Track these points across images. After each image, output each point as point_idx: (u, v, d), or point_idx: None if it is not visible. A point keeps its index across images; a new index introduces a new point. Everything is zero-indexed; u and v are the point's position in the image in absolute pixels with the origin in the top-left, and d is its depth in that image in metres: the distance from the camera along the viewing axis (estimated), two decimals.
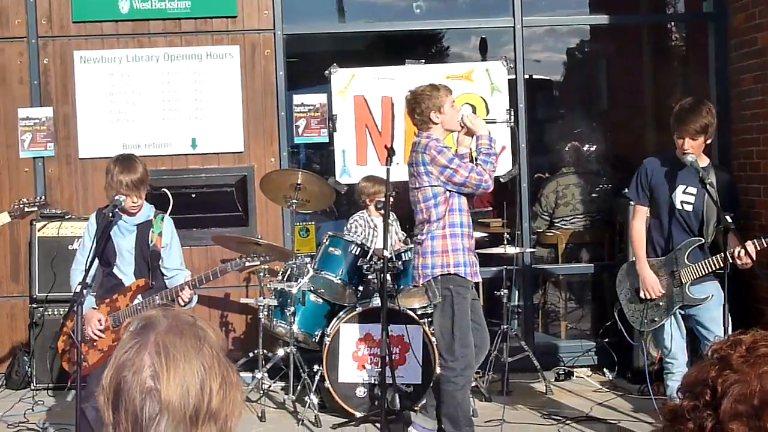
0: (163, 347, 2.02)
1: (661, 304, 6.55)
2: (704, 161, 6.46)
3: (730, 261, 6.13)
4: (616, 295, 6.99)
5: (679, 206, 6.49)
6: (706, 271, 6.40)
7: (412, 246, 7.89)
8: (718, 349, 1.90)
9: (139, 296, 6.38)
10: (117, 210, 6.16)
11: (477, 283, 7.07)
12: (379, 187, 8.21)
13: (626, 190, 7.10)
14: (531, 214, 9.71)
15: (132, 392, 2.00)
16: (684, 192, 6.48)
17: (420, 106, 6.61)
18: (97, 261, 6.06)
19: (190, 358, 2.02)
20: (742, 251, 6.09)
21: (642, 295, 6.56)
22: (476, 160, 6.51)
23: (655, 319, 6.58)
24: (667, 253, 6.57)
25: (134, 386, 2.00)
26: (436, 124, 6.59)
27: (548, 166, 11.55)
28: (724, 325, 6.06)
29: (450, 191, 6.49)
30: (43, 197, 7.82)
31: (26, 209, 7.38)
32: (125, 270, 6.38)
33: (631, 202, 7.07)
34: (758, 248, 6.31)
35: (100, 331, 6.27)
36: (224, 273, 6.73)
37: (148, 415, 1.99)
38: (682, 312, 6.58)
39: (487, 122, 6.85)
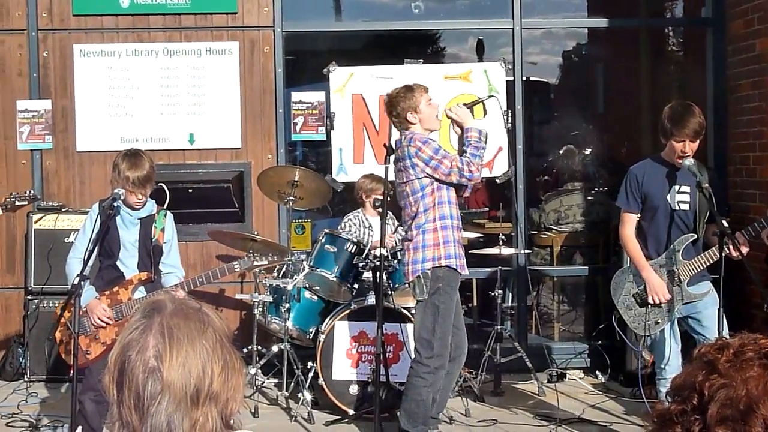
0: (167, 329, 2.06)
1: (662, 305, 6.53)
2: (692, 160, 6.45)
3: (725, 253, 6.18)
4: (609, 298, 6.97)
5: (676, 207, 6.49)
6: (703, 266, 6.42)
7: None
8: (706, 352, 1.91)
9: (141, 289, 6.40)
10: (116, 203, 6.20)
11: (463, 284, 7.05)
12: (376, 185, 8.24)
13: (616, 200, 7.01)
14: (527, 216, 9.72)
15: (135, 371, 2.04)
16: (679, 192, 6.49)
17: (396, 108, 6.63)
18: (95, 253, 6.10)
19: (193, 340, 2.06)
20: (731, 245, 6.14)
21: (650, 300, 6.53)
22: (465, 153, 6.50)
23: (658, 321, 6.55)
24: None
25: (138, 365, 2.04)
26: (414, 124, 6.60)
27: (544, 168, 11.60)
28: (719, 327, 6.10)
29: (438, 183, 6.49)
30: (32, 191, 7.82)
31: (17, 203, 7.38)
32: (128, 263, 6.42)
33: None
34: (747, 238, 6.34)
35: (106, 318, 6.29)
36: (232, 272, 6.80)
37: (150, 393, 2.03)
38: (679, 315, 6.59)
39: (469, 106, 6.80)
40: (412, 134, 6.52)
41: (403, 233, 6.64)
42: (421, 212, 6.45)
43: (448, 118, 6.73)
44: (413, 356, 6.70)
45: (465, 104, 6.81)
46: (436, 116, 6.76)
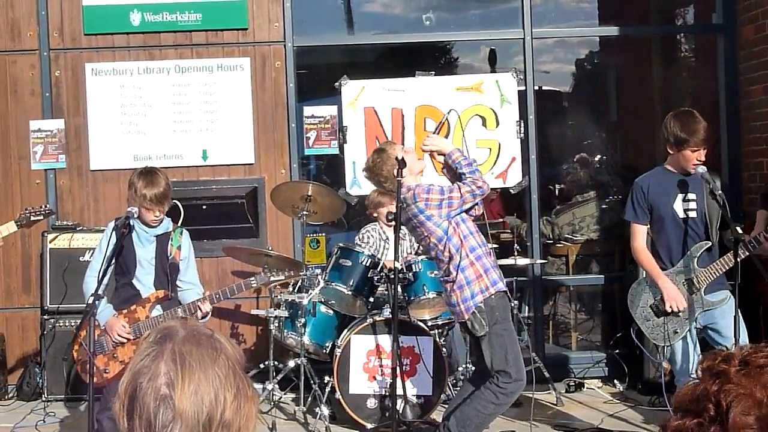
0: (179, 356, 2.03)
1: (680, 314, 6.51)
2: (703, 168, 6.45)
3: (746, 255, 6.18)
4: (626, 306, 6.94)
5: (683, 215, 6.49)
6: (720, 272, 6.39)
7: (423, 257, 7.89)
8: (711, 365, 1.90)
9: (158, 307, 6.42)
10: (129, 221, 6.23)
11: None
12: (382, 198, 8.23)
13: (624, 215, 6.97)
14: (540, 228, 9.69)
15: (147, 399, 2.01)
16: (684, 200, 6.49)
17: (381, 174, 6.56)
18: (110, 271, 6.12)
19: (205, 367, 2.03)
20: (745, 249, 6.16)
21: (668, 308, 6.50)
22: (464, 175, 6.46)
23: (677, 330, 6.52)
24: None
25: (149, 393, 2.01)
26: (403, 177, 6.55)
27: (558, 177, 11.58)
28: (735, 335, 6.08)
29: (454, 220, 6.44)
30: (47, 206, 7.84)
31: (32, 218, 7.40)
32: (144, 280, 6.44)
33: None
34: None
35: (126, 335, 6.30)
36: (249, 287, 6.83)
37: (162, 422, 1.99)
38: (698, 325, 6.56)
39: (436, 130, 6.79)
40: (410, 191, 6.45)
41: (445, 277, 6.58)
42: (454, 253, 6.40)
43: (426, 152, 6.71)
44: (491, 380, 6.48)
45: (433, 132, 6.81)
46: (416, 158, 6.75)
